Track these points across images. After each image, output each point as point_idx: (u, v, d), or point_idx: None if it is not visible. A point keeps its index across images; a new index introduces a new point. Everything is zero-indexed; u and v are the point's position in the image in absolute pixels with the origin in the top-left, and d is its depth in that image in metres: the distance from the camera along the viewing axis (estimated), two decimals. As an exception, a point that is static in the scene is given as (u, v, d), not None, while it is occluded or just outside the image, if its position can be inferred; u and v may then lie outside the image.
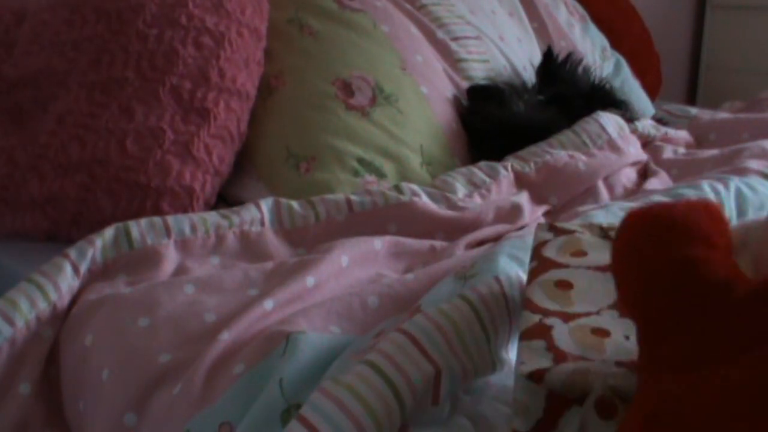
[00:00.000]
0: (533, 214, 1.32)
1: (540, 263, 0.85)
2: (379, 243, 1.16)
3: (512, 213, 1.29)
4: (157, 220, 1.16)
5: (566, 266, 0.83)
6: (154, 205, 1.27)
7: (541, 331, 0.73)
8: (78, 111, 1.32)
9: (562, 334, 0.72)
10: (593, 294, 0.78)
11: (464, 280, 0.98)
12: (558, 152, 1.45)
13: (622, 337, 0.70)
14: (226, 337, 0.94)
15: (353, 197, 1.26)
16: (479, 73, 1.74)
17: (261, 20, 1.47)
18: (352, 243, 1.14)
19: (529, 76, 1.83)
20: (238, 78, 1.38)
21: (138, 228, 1.14)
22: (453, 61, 1.72)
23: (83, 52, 1.35)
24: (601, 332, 0.72)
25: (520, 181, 1.41)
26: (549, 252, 0.87)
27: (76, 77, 1.34)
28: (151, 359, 0.95)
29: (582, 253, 0.86)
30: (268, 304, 1.00)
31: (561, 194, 1.40)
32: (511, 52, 1.86)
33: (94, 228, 1.16)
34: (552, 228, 0.93)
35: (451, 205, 1.29)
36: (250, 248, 1.18)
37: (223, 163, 1.35)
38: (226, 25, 1.39)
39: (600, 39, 2.20)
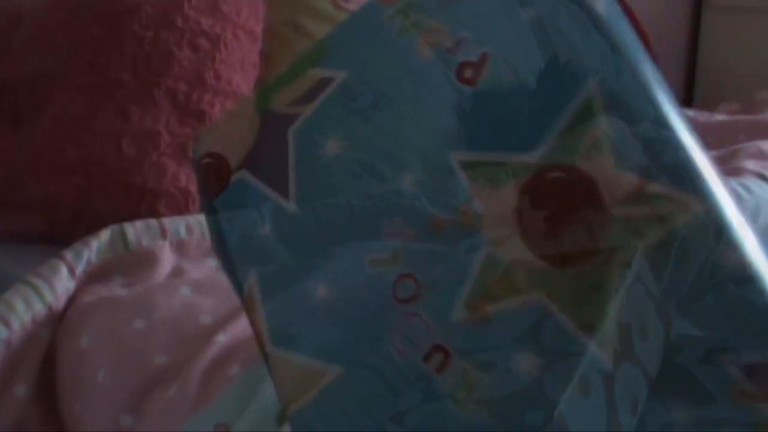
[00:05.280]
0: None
1: None
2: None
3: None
4: (153, 221, 1.16)
5: None
6: (150, 206, 1.27)
7: None
8: (74, 113, 1.32)
9: None
10: None
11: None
12: (555, 154, 1.45)
13: None
14: (221, 338, 0.94)
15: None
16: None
17: (257, 22, 1.47)
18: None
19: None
20: (234, 80, 1.38)
21: (134, 230, 1.14)
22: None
23: (79, 54, 1.35)
24: None
25: (518, 183, 1.40)
26: None
27: (72, 79, 1.34)
28: (147, 361, 0.95)
29: None
30: (264, 305, 1.00)
31: (558, 196, 1.39)
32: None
33: (91, 230, 1.15)
34: None
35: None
36: (247, 250, 1.18)
37: (220, 164, 1.35)
38: (221, 27, 1.39)
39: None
